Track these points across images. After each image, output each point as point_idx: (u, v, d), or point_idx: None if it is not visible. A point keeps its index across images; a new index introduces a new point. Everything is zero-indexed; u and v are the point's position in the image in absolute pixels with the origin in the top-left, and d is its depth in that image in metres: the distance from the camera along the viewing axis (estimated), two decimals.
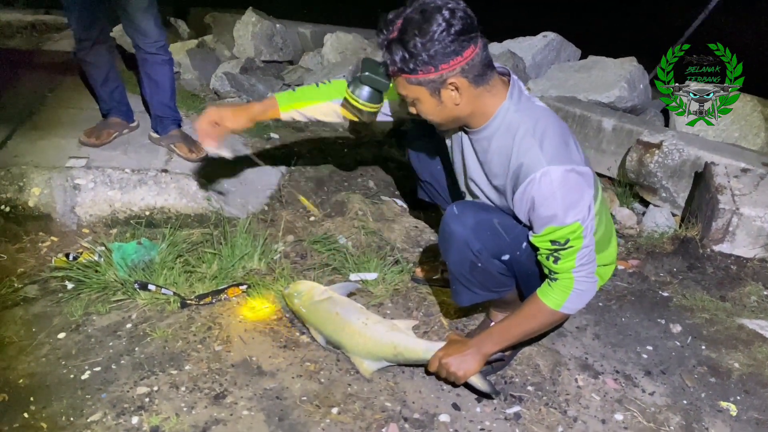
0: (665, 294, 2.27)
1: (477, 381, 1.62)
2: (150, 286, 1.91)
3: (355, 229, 2.46)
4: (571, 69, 3.88)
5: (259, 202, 2.65)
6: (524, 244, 1.57)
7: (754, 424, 1.67)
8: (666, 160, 2.83)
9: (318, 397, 1.61)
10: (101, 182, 2.39)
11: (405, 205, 2.74)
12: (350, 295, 1.95)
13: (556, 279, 1.51)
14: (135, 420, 1.48)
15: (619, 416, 1.65)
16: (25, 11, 5.44)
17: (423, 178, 2.02)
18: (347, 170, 3.07)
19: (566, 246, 1.44)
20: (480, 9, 1.45)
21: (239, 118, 1.86)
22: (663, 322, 2.10)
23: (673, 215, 2.86)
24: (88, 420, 1.48)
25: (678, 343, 1.99)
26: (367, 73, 1.64)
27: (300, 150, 3.25)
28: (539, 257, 1.52)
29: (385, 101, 1.81)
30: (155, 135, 2.77)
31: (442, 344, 1.67)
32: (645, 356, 1.92)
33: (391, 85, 1.58)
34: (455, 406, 1.63)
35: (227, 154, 1.92)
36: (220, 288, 1.99)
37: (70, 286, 1.97)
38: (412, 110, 1.53)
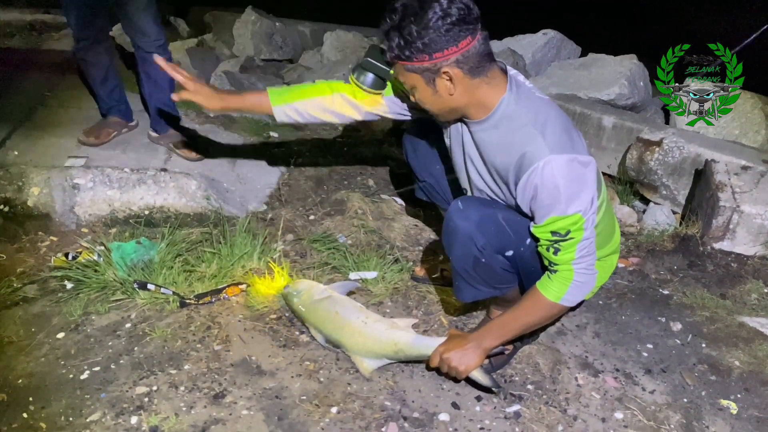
0: (665, 292, 2.27)
1: (478, 375, 1.62)
2: (149, 286, 1.90)
3: (355, 227, 2.46)
4: (571, 67, 3.87)
5: (259, 201, 2.65)
6: (528, 240, 1.57)
7: (754, 422, 1.66)
8: (666, 157, 2.82)
9: (317, 396, 1.61)
10: (100, 182, 2.39)
11: (404, 204, 2.74)
12: (350, 294, 1.95)
13: (555, 271, 1.51)
14: (134, 420, 1.48)
15: (619, 415, 1.64)
16: (24, 11, 5.43)
17: (421, 178, 2.02)
18: (347, 169, 3.06)
19: (567, 237, 1.44)
20: (479, 7, 1.45)
21: (214, 101, 1.80)
22: (663, 320, 2.09)
23: (674, 213, 2.86)
24: (87, 420, 1.47)
25: (678, 341, 1.99)
26: (368, 59, 1.66)
27: (299, 149, 3.24)
28: (539, 248, 1.52)
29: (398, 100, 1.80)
30: (154, 134, 2.77)
31: (442, 340, 1.68)
32: (645, 354, 1.91)
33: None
34: (455, 405, 1.62)
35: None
36: (219, 287, 1.99)
37: (69, 285, 1.97)
38: (412, 99, 1.54)
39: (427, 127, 1.84)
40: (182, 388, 1.60)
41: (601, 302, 2.17)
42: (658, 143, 2.84)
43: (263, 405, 1.57)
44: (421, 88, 1.45)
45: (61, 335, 1.77)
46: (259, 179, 2.79)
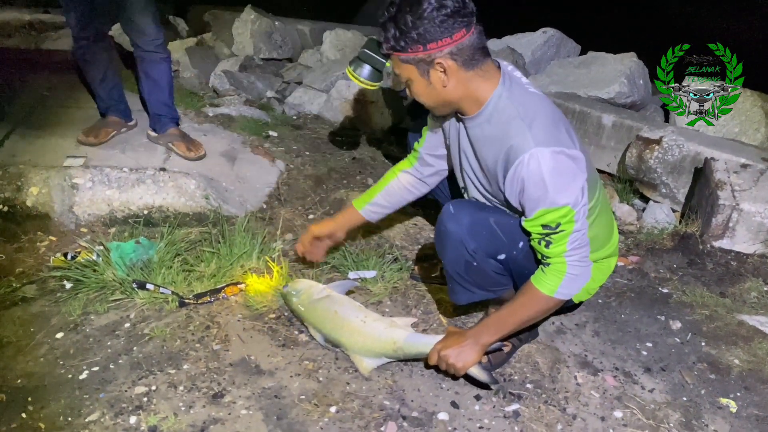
0: (665, 290, 2.27)
1: (476, 372, 1.62)
2: (148, 286, 1.90)
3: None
4: (571, 65, 3.87)
5: (258, 200, 2.65)
6: (521, 243, 1.57)
7: (753, 420, 1.66)
8: (666, 155, 2.82)
9: (316, 395, 1.61)
10: (99, 181, 2.39)
11: None
12: (349, 293, 1.95)
13: (548, 264, 1.51)
14: (133, 420, 1.48)
15: (618, 413, 1.64)
16: (23, 10, 5.43)
17: None
18: (346, 168, 3.06)
19: (557, 230, 1.44)
20: (479, 5, 1.46)
21: (338, 232, 1.96)
22: (663, 318, 2.09)
23: (673, 211, 2.86)
24: (86, 420, 1.47)
25: (678, 340, 1.99)
26: (364, 50, 1.67)
27: (298, 148, 3.25)
28: (531, 242, 1.52)
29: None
30: (153, 134, 2.77)
31: (440, 337, 1.67)
32: (644, 353, 1.91)
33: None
34: (454, 404, 1.62)
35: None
36: (218, 287, 1.99)
37: (68, 285, 1.96)
38: (408, 93, 1.55)
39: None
40: (181, 388, 1.59)
41: (600, 301, 2.17)
42: (658, 141, 2.84)
43: (262, 404, 1.56)
44: (415, 79, 1.47)
45: (60, 335, 1.77)
46: (258, 178, 2.79)
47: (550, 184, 1.39)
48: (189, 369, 1.67)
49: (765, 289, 2.28)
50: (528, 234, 1.51)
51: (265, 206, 2.62)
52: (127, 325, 1.83)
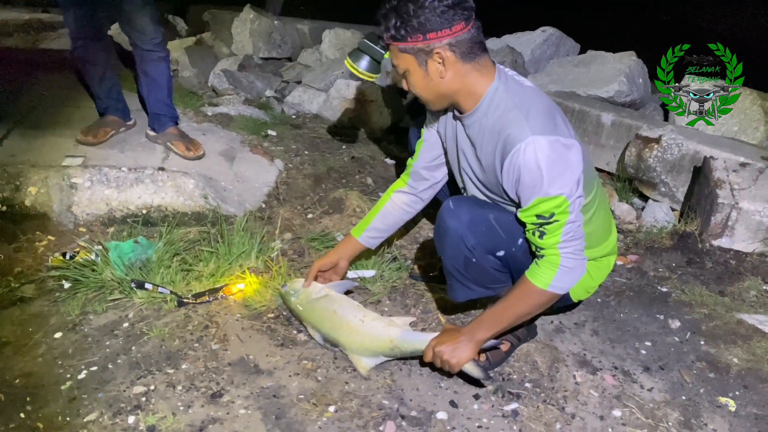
0: (664, 289, 2.26)
1: (470, 368, 1.61)
2: (147, 285, 1.90)
3: (353, 226, 2.45)
4: (570, 64, 3.87)
5: (257, 199, 2.64)
6: (520, 240, 1.57)
7: (753, 419, 1.66)
8: (665, 154, 2.82)
9: (315, 395, 1.61)
10: (98, 181, 2.39)
11: None
12: (347, 292, 1.95)
13: (542, 256, 1.51)
14: (131, 419, 1.48)
15: (617, 412, 1.64)
16: (21, 10, 5.43)
17: None
18: (345, 167, 3.06)
19: (551, 220, 1.44)
20: (479, 4, 1.47)
21: (341, 261, 1.94)
22: (662, 317, 2.09)
23: (672, 210, 2.85)
24: (85, 420, 1.47)
25: (677, 339, 1.98)
26: (364, 40, 1.68)
27: (297, 147, 3.24)
28: (526, 234, 1.53)
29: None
30: (152, 133, 2.76)
31: (436, 335, 1.67)
32: (644, 352, 1.91)
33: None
34: (453, 404, 1.62)
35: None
36: (217, 286, 1.99)
37: (66, 285, 1.96)
38: (405, 86, 1.55)
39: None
40: (180, 388, 1.59)
41: (599, 300, 2.17)
42: (657, 140, 2.84)
43: (261, 404, 1.56)
44: (413, 70, 1.48)
45: (58, 335, 1.76)
46: (257, 178, 2.79)
47: (545, 172, 1.40)
48: (187, 368, 1.66)
49: (764, 287, 2.28)
50: (524, 226, 1.52)
51: (264, 206, 2.62)
52: (126, 324, 1.82)
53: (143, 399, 1.55)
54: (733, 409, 1.69)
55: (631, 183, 3.00)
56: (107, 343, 1.75)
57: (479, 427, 1.55)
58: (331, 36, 4.55)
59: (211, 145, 2.91)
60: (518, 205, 1.51)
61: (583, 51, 4.21)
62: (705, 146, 2.83)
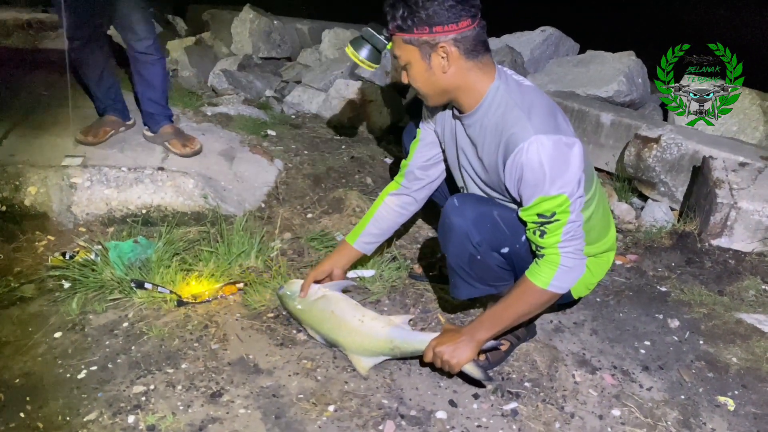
0: (663, 289, 2.27)
1: (470, 369, 1.61)
2: (146, 285, 1.90)
3: (353, 225, 2.45)
4: (570, 64, 3.87)
5: (256, 199, 2.65)
6: (524, 237, 1.57)
7: (751, 418, 1.66)
8: (664, 154, 2.82)
9: (315, 394, 1.61)
10: (98, 181, 2.39)
11: None
12: (345, 291, 1.95)
13: (542, 255, 1.51)
14: (131, 419, 1.48)
15: (616, 412, 1.64)
16: (21, 10, 5.42)
17: None
18: (344, 167, 3.06)
19: (552, 219, 1.45)
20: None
21: (336, 270, 1.91)
22: (661, 317, 2.09)
23: (672, 210, 2.86)
24: (85, 419, 1.47)
25: (676, 338, 1.99)
26: (368, 28, 1.67)
27: (297, 147, 3.24)
28: (527, 233, 1.53)
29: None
30: (149, 133, 2.76)
31: (436, 335, 1.67)
32: (643, 351, 1.91)
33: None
34: (452, 403, 1.62)
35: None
36: (216, 286, 1.99)
37: (66, 285, 1.96)
38: (404, 79, 1.55)
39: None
40: (179, 387, 1.59)
41: (598, 299, 2.17)
42: (656, 140, 2.84)
43: (260, 403, 1.56)
44: (415, 62, 1.48)
45: (58, 334, 1.76)
46: (257, 178, 2.79)
47: (548, 172, 1.41)
48: (187, 368, 1.67)
49: (763, 287, 2.28)
50: (524, 224, 1.52)
51: (263, 205, 2.62)
52: (126, 324, 1.83)
53: (143, 398, 1.55)
54: (732, 409, 1.69)
55: (630, 183, 3.01)
56: (107, 342, 1.75)
57: (479, 426, 1.56)
58: (331, 36, 4.55)
59: (210, 144, 2.91)
60: (519, 204, 1.51)
61: (582, 51, 4.21)
62: (704, 146, 2.83)
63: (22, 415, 1.47)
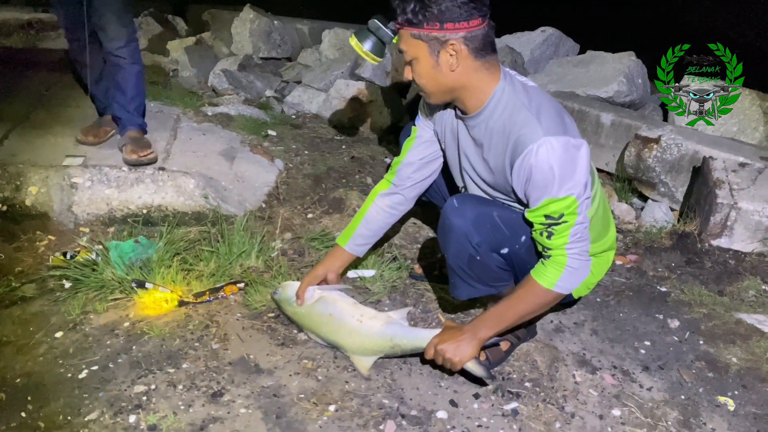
0: (663, 289, 2.27)
1: (473, 366, 1.61)
2: (147, 285, 1.90)
3: None
4: (570, 64, 3.88)
5: (257, 199, 2.65)
6: (523, 237, 1.57)
7: (751, 418, 1.66)
8: (664, 154, 2.82)
9: (315, 394, 1.61)
10: (98, 180, 2.39)
11: None
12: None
13: (549, 256, 1.51)
14: (132, 419, 1.48)
15: (616, 412, 1.65)
16: (21, 9, 5.43)
17: None
18: (345, 167, 3.07)
19: (560, 221, 1.45)
20: None
21: (329, 275, 1.88)
22: (661, 317, 2.10)
23: (672, 210, 2.86)
24: (86, 419, 1.47)
25: (676, 338, 1.99)
26: (374, 20, 1.63)
27: (297, 147, 3.25)
28: (533, 234, 1.53)
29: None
30: (118, 136, 2.68)
31: (437, 331, 1.67)
32: (643, 351, 1.92)
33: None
34: (452, 403, 1.62)
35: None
36: (217, 286, 1.99)
37: (67, 284, 1.96)
38: (408, 75, 1.54)
39: None
40: (180, 387, 1.60)
41: (598, 299, 2.17)
42: (657, 140, 2.84)
43: (261, 403, 1.57)
44: (423, 58, 1.46)
45: (59, 334, 1.77)
46: (257, 178, 2.79)
47: (557, 173, 1.40)
48: (188, 368, 1.67)
49: (763, 287, 2.29)
50: (530, 225, 1.52)
51: (264, 205, 2.62)
52: (127, 324, 1.83)
53: (144, 398, 1.55)
54: (732, 409, 1.69)
55: (630, 183, 3.01)
56: (108, 342, 1.75)
57: (479, 426, 1.56)
58: (331, 36, 4.55)
59: (211, 144, 2.91)
60: (526, 205, 1.51)
61: (582, 51, 4.21)
62: (704, 146, 2.83)
63: (23, 414, 1.48)
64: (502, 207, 1.60)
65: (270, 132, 3.36)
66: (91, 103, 2.87)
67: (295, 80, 4.36)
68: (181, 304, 1.91)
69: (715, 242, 2.50)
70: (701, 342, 1.98)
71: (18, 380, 1.59)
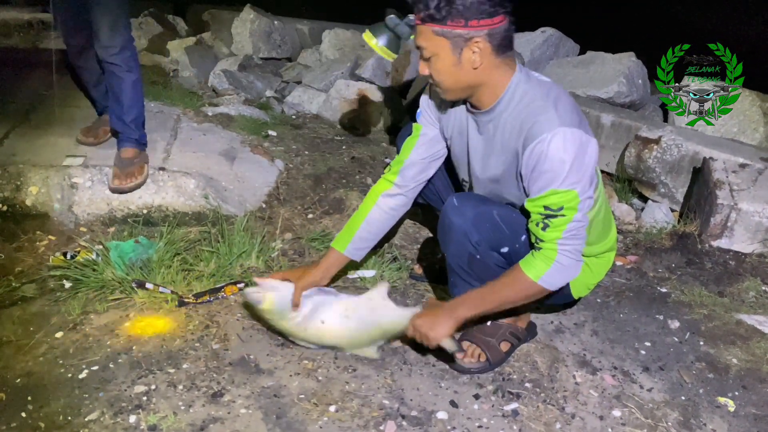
0: (663, 290, 2.27)
1: (445, 343, 1.61)
2: (147, 285, 1.90)
3: None
4: (570, 64, 3.88)
5: (257, 199, 2.65)
6: (523, 237, 1.57)
7: (752, 419, 1.67)
8: (664, 155, 2.82)
9: (315, 395, 1.61)
10: (99, 181, 2.39)
11: None
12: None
13: (540, 248, 1.50)
14: (133, 419, 1.48)
15: (617, 412, 1.65)
16: (22, 9, 5.42)
17: None
18: (345, 167, 3.07)
19: (558, 214, 1.44)
20: None
21: (324, 280, 1.82)
22: (661, 318, 2.10)
23: (672, 211, 2.86)
24: (86, 419, 1.47)
25: (676, 339, 1.99)
26: (392, 16, 1.59)
27: (298, 147, 3.25)
28: (529, 225, 1.52)
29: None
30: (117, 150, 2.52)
31: (418, 309, 1.68)
32: (643, 352, 1.92)
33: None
34: (453, 403, 1.62)
35: None
36: (217, 286, 1.99)
37: (67, 285, 1.96)
38: (424, 71, 1.51)
39: None
40: (181, 387, 1.60)
41: (599, 300, 2.17)
42: (657, 141, 2.84)
43: (261, 404, 1.57)
44: (444, 56, 1.44)
45: (59, 334, 1.76)
46: (258, 178, 2.79)
47: (567, 166, 1.40)
48: (188, 368, 1.67)
49: (763, 288, 2.29)
50: (528, 216, 1.51)
51: (264, 206, 2.62)
52: (126, 324, 1.82)
53: (144, 398, 1.55)
54: (732, 410, 1.70)
55: (630, 184, 3.01)
56: (108, 342, 1.75)
57: (479, 426, 1.56)
58: (331, 36, 4.55)
59: (211, 145, 2.91)
60: (527, 194, 1.50)
61: (582, 52, 4.21)
62: (704, 147, 2.83)
63: (23, 414, 1.47)
64: (503, 206, 1.60)
65: (270, 132, 3.36)
66: (91, 104, 2.87)
67: (295, 80, 4.36)
68: (181, 304, 1.91)
69: (715, 243, 2.50)
70: (701, 343, 1.98)
71: (18, 380, 1.58)
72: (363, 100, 3.65)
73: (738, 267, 2.41)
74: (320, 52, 4.61)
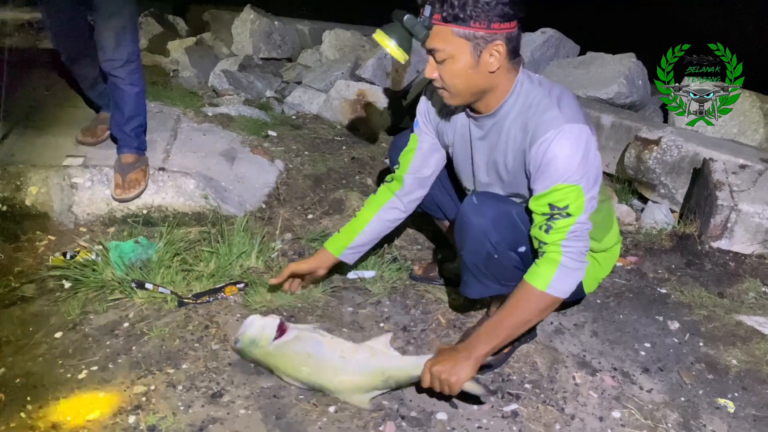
0: (663, 291, 2.27)
1: (471, 386, 1.51)
2: (147, 285, 1.90)
3: None
4: (570, 65, 3.88)
5: (257, 200, 2.65)
6: None
7: (751, 420, 1.66)
8: (664, 156, 2.82)
9: (315, 395, 1.61)
10: (98, 181, 2.39)
11: None
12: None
13: (543, 252, 1.47)
14: (132, 419, 1.48)
15: (616, 413, 1.65)
16: (22, 9, 5.42)
17: None
18: (345, 168, 3.06)
19: (563, 212, 1.43)
20: None
21: (320, 270, 1.89)
22: (661, 318, 2.09)
23: (672, 211, 2.86)
24: (86, 419, 1.47)
25: (676, 340, 1.99)
26: (410, 15, 1.55)
27: (298, 147, 3.24)
28: (532, 230, 1.50)
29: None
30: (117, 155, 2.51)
31: (429, 357, 1.57)
32: (643, 353, 1.92)
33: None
34: (452, 404, 1.62)
35: None
36: (217, 286, 1.99)
37: (67, 285, 1.96)
38: (432, 74, 1.48)
39: None
40: (180, 388, 1.60)
41: (599, 301, 2.17)
42: (657, 142, 2.84)
43: (261, 404, 1.57)
44: (462, 58, 1.41)
45: (59, 334, 1.76)
46: (258, 178, 2.79)
47: (573, 160, 1.40)
48: (188, 368, 1.67)
49: (763, 289, 2.29)
50: (531, 217, 1.50)
51: (264, 206, 2.62)
52: (126, 324, 1.83)
53: (144, 399, 1.55)
54: (732, 411, 1.69)
55: (630, 184, 3.01)
56: (108, 342, 1.75)
57: (479, 427, 1.56)
58: (331, 36, 4.55)
59: (211, 145, 2.91)
60: (532, 193, 1.49)
61: (583, 52, 4.21)
62: (704, 148, 2.83)
63: (22, 414, 1.47)
64: (519, 205, 1.59)
65: (270, 132, 3.36)
66: (92, 104, 2.87)
67: (295, 81, 4.36)
68: (181, 304, 1.91)
69: (715, 244, 2.50)
70: (701, 344, 1.98)
71: (18, 380, 1.59)
72: (363, 101, 3.65)
73: (738, 268, 2.41)
74: (320, 53, 4.61)
